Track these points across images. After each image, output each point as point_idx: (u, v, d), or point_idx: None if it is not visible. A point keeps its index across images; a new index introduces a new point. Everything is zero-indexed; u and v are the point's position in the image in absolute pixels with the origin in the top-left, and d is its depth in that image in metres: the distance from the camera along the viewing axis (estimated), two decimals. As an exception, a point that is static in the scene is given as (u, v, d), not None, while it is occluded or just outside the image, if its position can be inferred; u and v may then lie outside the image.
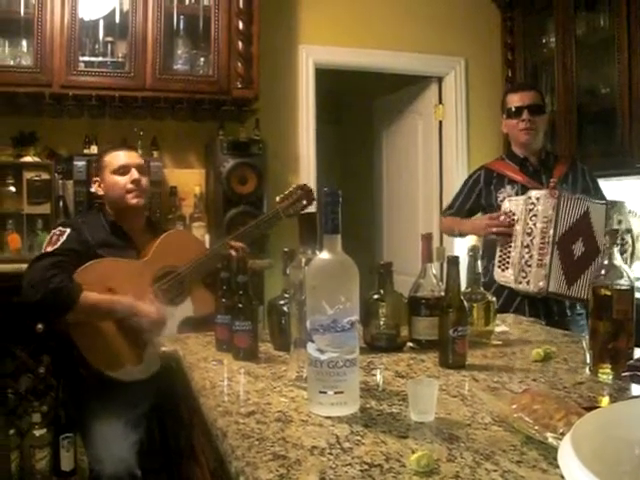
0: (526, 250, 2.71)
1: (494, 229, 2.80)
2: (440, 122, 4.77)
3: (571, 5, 3.97)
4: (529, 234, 2.71)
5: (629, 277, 1.52)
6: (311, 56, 4.31)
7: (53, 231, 2.49)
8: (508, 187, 2.95)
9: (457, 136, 4.67)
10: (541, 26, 4.34)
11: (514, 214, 2.78)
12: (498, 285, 2.82)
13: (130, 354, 2.35)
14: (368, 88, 5.47)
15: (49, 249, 2.38)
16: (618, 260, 1.53)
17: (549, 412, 1.10)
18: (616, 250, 1.54)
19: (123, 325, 2.35)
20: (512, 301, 2.83)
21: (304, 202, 2.56)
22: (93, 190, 2.68)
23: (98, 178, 2.61)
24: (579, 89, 3.95)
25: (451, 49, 4.62)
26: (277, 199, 2.56)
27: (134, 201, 2.54)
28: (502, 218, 2.79)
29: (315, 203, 2.64)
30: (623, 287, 1.51)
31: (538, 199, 2.70)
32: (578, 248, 2.67)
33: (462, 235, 3.19)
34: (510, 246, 2.78)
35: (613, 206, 2.75)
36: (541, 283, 2.66)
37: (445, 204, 4.63)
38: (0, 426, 3.14)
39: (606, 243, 1.56)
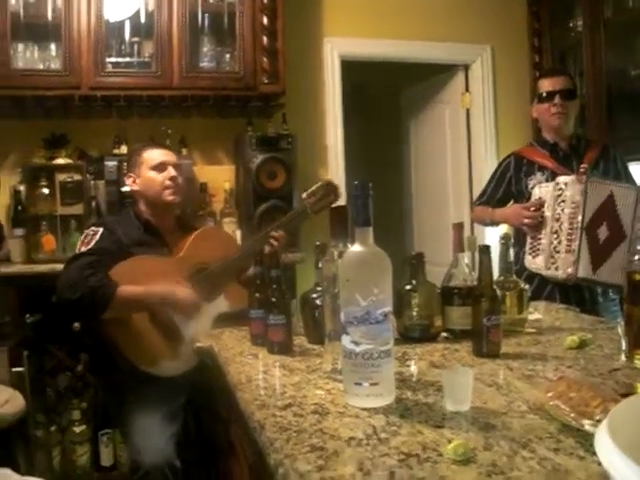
0: (554, 236, 2.70)
1: (525, 220, 2.78)
2: (467, 110, 4.74)
3: (598, -14, 3.92)
4: (557, 220, 2.69)
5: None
6: (336, 49, 4.31)
7: (86, 231, 2.51)
8: (538, 174, 2.93)
9: (485, 124, 4.63)
10: (568, 10, 4.28)
11: (544, 201, 2.76)
12: (529, 272, 2.81)
13: (166, 350, 2.38)
14: (394, 78, 5.45)
15: (83, 249, 2.41)
16: (652, 244, 1.52)
17: (585, 399, 1.09)
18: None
19: (159, 321, 2.39)
20: (543, 288, 2.81)
21: (331, 198, 2.52)
22: (127, 186, 2.71)
23: (133, 174, 2.62)
24: (608, 72, 3.90)
25: (477, 36, 4.58)
26: (303, 195, 2.54)
27: (170, 198, 2.56)
28: (532, 208, 2.77)
29: (342, 198, 2.63)
30: (658, 271, 1.50)
31: (566, 184, 2.68)
32: (603, 232, 2.64)
33: (494, 224, 3.16)
34: (540, 233, 2.77)
35: None
36: (570, 269, 2.64)
37: (475, 193, 4.64)
38: (41, 423, 3.21)
39: (638, 228, 1.54)
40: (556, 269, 2.68)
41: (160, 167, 2.57)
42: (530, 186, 2.92)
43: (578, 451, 0.99)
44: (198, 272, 2.50)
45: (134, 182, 2.62)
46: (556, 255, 2.69)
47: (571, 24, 4.27)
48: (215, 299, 2.51)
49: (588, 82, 3.98)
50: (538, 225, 2.76)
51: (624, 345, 1.57)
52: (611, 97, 3.86)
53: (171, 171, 2.57)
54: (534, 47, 4.56)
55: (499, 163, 3.19)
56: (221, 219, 3.84)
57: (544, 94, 2.94)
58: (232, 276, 2.56)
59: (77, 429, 3.19)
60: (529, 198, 2.88)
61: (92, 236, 2.44)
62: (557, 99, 2.89)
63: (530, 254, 2.82)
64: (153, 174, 2.57)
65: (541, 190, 2.81)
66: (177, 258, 2.52)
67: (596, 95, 3.91)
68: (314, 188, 2.52)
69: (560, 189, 2.69)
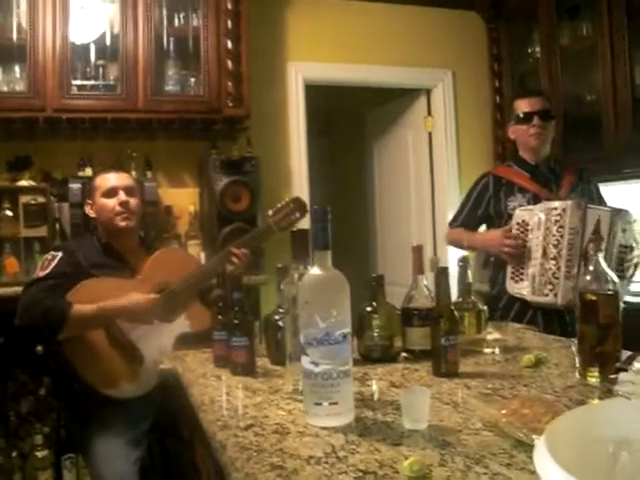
0: (553, 262, 2.64)
1: (506, 249, 2.74)
2: (430, 133, 4.82)
3: (554, 15, 4.04)
4: (555, 246, 2.64)
5: (614, 282, 1.56)
6: (300, 73, 4.36)
7: (45, 256, 2.52)
8: (519, 195, 2.90)
9: (447, 147, 4.72)
10: (526, 36, 4.41)
11: (527, 224, 2.73)
12: (509, 297, 2.81)
13: (125, 371, 2.37)
14: (358, 102, 5.53)
15: (41, 274, 2.41)
16: (603, 266, 1.57)
17: (537, 416, 1.13)
18: (600, 256, 1.58)
19: (118, 342, 2.38)
20: (525, 313, 2.79)
21: (297, 214, 2.54)
22: (86, 212, 2.71)
23: (90, 201, 2.65)
24: (565, 97, 4.01)
25: (438, 61, 4.68)
26: (269, 213, 2.57)
27: (123, 224, 2.56)
28: (514, 231, 2.75)
29: (305, 219, 2.64)
30: (608, 292, 1.55)
31: (565, 210, 2.64)
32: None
33: (471, 249, 3.14)
34: (523, 258, 2.74)
35: (617, 213, 2.67)
36: (570, 295, 2.58)
37: (437, 215, 4.72)
38: (2, 448, 3.16)
39: (590, 250, 1.60)
40: (555, 295, 2.64)
41: (111, 193, 2.57)
42: (510, 207, 2.88)
43: (529, 466, 1.01)
44: (159, 292, 2.48)
45: (91, 209, 2.64)
46: (555, 281, 2.64)
47: (529, 50, 4.40)
48: (177, 319, 2.49)
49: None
50: (520, 252, 2.73)
51: (578, 363, 1.61)
52: (567, 121, 3.96)
53: (122, 196, 2.56)
54: (494, 72, 4.67)
55: (475, 182, 3.11)
56: (186, 241, 3.85)
57: (522, 115, 2.93)
58: (194, 296, 2.55)
59: (39, 454, 3.15)
60: (508, 219, 2.85)
61: (50, 261, 2.44)
62: (535, 120, 2.88)
63: (512, 278, 2.79)
64: (105, 200, 2.57)
65: (524, 213, 2.77)
66: (137, 279, 2.51)
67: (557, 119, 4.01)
68: (280, 205, 2.54)
69: (559, 214, 2.64)
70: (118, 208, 2.55)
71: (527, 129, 2.92)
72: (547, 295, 2.67)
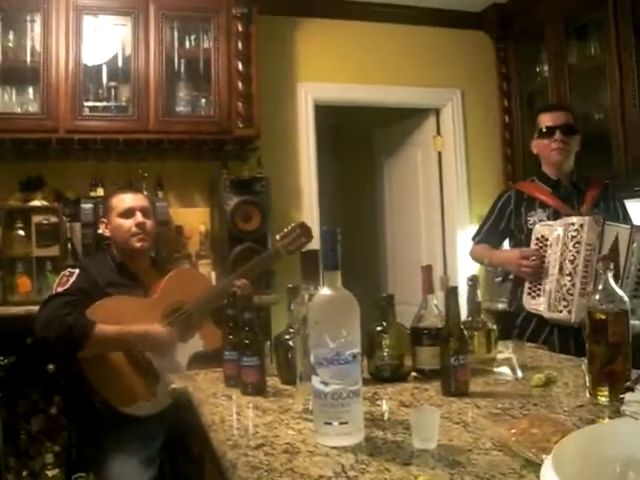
0: (568, 278, 2.63)
1: (524, 269, 2.74)
2: (439, 153, 4.84)
3: (562, 34, 4.07)
4: (572, 262, 2.62)
5: (623, 301, 1.56)
6: (310, 93, 4.40)
7: (62, 273, 2.54)
8: (539, 210, 2.88)
9: (456, 166, 4.73)
10: (534, 56, 4.43)
11: (546, 239, 2.73)
12: (526, 313, 2.80)
13: (142, 389, 2.39)
14: (367, 121, 5.55)
15: (60, 289, 2.44)
16: (612, 284, 1.57)
17: (547, 435, 1.13)
18: (610, 275, 1.58)
19: (135, 360, 2.41)
20: (542, 330, 2.77)
21: (303, 239, 2.63)
22: (100, 232, 2.74)
23: (105, 220, 2.68)
24: (574, 116, 4.01)
25: (447, 81, 4.70)
26: (277, 237, 2.64)
27: (138, 245, 2.60)
28: (533, 246, 2.74)
29: (315, 239, 2.69)
30: (618, 311, 1.55)
31: (582, 226, 2.63)
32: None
33: (492, 265, 3.12)
34: (542, 273, 2.73)
35: (637, 230, 2.65)
36: (583, 313, 2.52)
37: (447, 234, 4.72)
38: (13, 467, 3.17)
39: (600, 268, 1.60)
40: (569, 312, 2.62)
41: (127, 213, 2.61)
42: (530, 222, 2.88)
43: (538, 486, 1.02)
44: (173, 312, 2.53)
45: (106, 228, 2.68)
46: (569, 297, 2.62)
47: (537, 69, 4.42)
48: (190, 338, 2.54)
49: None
50: (537, 271, 2.72)
51: (587, 382, 1.61)
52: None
53: (138, 217, 2.61)
54: (503, 91, 4.70)
55: (497, 197, 3.11)
56: (197, 261, 3.87)
57: (544, 129, 2.91)
58: (207, 316, 2.59)
59: (50, 473, 3.16)
60: (528, 234, 2.84)
61: (68, 277, 2.47)
62: (558, 134, 2.86)
63: (529, 294, 2.78)
64: (121, 221, 2.61)
65: (543, 228, 2.77)
66: (153, 298, 2.55)
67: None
68: (287, 230, 2.62)
69: (576, 230, 2.63)
70: (134, 229, 2.59)
71: (549, 143, 2.90)
72: (561, 311, 2.65)
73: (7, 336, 3.11)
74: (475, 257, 3.17)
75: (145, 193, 3.49)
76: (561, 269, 2.67)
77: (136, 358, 2.41)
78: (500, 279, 3.89)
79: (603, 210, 2.85)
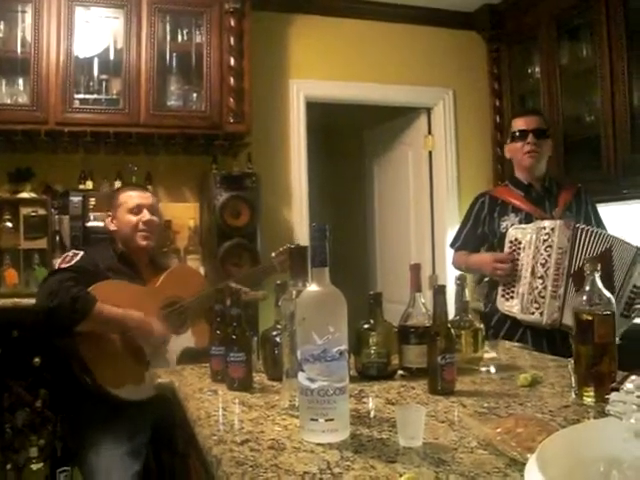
0: (540, 281, 2.67)
1: (498, 272, 2.78)
2: (430, 152, 4.84)
3: (554, 35, 4.09)
4: (543, 265, 2.67)
5: (610, 302, 1.56)
6: (302, 90, 4.40)
7: (66, 253, 2.61)
8: (512, 215, 2.91)
9: (447, 166, 4.74)
10: (526, 56, 4.46)
11: (519, 243, 2.76)
12: (501, 315, 2.82)
13: (131, 372, 2.41)
14: (359, 120, 5.55)
15: (64, 266, 2.48)
16: (599, 286, 1.57)
17: (532, 435, 1.14)
18: (597, 276, 1.59)
19: (128, 344, 2.43)
20: (516, 331, 2.79)
21: None
22: (105, 225, 2.79)
23: (112, 214, 2.72)
24: (564, 117, 4.04)
25: (439, 80, 4.71)
26: (272, 255, 2.72)
27: (144, 242, 2.64)
28: (507, 249, 2.78)
29: (305, 236, 2.72)
30: (604, 312, 1.55)
31: (553, 230, 2.67)
32: None
33: (469, 271, 3.15)
34: (515, 275, 2.76)
35: None
36: (555, 315, 2.63)
37: (436, 233, 4.73)
38: (-3, 461, 3.16)
39: (587, 270, 1.60)
40: (540, 314, 2.66)
41: (136, 210, 2.65)
42: (503, 227, 2.90)
43: (523, 485, 1.02)
44: (170, 305, 2.58)
45: (111, 222, 2.71)
46: (540, 300, 2.66)
47: (529, 70, 4.44)
48: (183, 333, 2.58)
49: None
50: (510, 274, 2.76)
51: (573, 383, 1.62)
52: (567, 142, 3.99)
53: (146, 215, 2.65)
54: (494, 91, 4.72)
55: (472, 203, 3.13)
56: (185, 256, 3.86)
57: (517, 133, 2.94)
58: (201, 315, 2.63)
59: (34, 467, 3.14)
60: (501, 238, 2.87)
61: (72, 257, 2.53)
62: (530, 138, 2.89)
63: (503, 296, 2.81)
64: (129, 217, 2.65)
65: (517, 232, 2.80)
66: (152, 288, 2.59)
67: (553, 140, 4.02)
68: (282, 249, 2.70)
69: (547, 234, 2.67)
70: (141, 226, 2.63)
71: (522, 147, 2.93)
72: (533, 313, 2.69)
73: (-7, 328, 3.10)
74: (457, 265, 3.19)
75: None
76: (533, 272, 2.70)
77: (129, 342, 2.44)
78: (475, 283, 3.93)
79: (576, 214, 2.88)
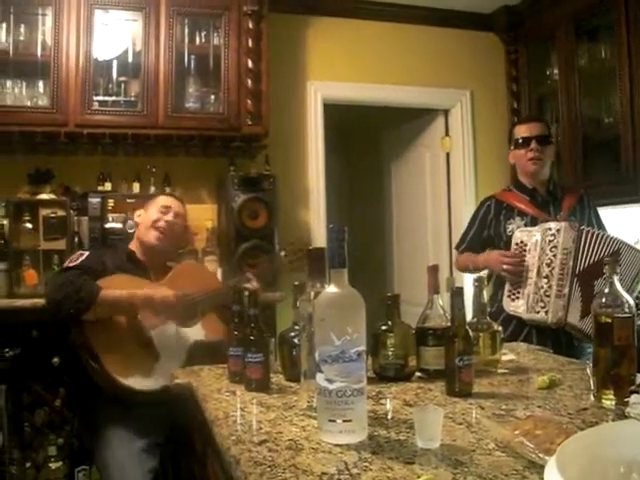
0: (545, 280, 2.72)
1: (505, 267, 2.81)
2: (447, 154, 4.83)
3: (573, 37, 4.06)
4: (549, 265, 2.72)
5: (629, 305, 1.56)
6: (319, 92, 4.40)
7: (74, 254, 2.67)
8: (517, 218, 2.96)
9: (464, 168, 4.73)
10: (544, 58, 4.43)
11: (525, 245, 2.80)
12: (506, 315, 2.84)
13: (142, 364, 2.43)
14: (376, 121, 5.55)
15: (70, 264, 2.54)
16: (618, 288, 1.57)
17: (550, 437, 1.13)
18: (616, 279, 1.58)
19: (138, 335, 2.46)
20: (520, 331, 2.83)
21: (303, 262, 2.71)
22: (135, 217, 2.85)
23: (141, 211, 2.80)
24: (583, 119, 4.02)
25: (457, 82, 4.70)
26: (282, 253, 2.83)
27: (154, 241, 2.68)
28: (513, 251, 2.81)
29: (322, 237, 2.74)
30: (624, 315, 1.54)
31: (559, 231, 2.72)
32: (599, 284, 2.58)
33: (477, 270, 3.15)
34: (521, 276, 2.80)
35: None
36: (560, 313, 2.68)
37: (454, 235, 4.70)
38: (16, 459, 3.18)
39: (606, 272, 1.60)
40: (546, 313, 2.71)
41: (164, 210, 2.72)
42: (509, 230, 2.95)
43: (541, 487, 1.02)
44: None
45: (138, 216, 2.79)
46: (546, 299, 2.71)
47: (547, 72, 4.41)
48: (192, 326, 2.59)
49: (564, 128, 4.09)
50: (518, 270, 2.80)
51: (592, 385, 1.61)
52: (586, 143, 3.97)
53: (170, 216, 2.71)
54: (512, 93, 4.70)
55: (478, 207, 3.20)
56: (203, 257, 3.87)
57: (520, 140, 3.00)
58: (211, 309, 2.65)
59: (53, 465, 3.17)
60: (507, 241, 2.90)
61: (78, 256, 2.58)
62: (533, 144, 2.95)
63: (509, 296, 2.84)
64: (155, 212, 2.72)
65: (522, 234, 2.84)
66: (160, 284, 2.61)
67: (571, 141, 4.02)
68: (294, 249, 2.81)
69: (552, 235, 2.73)
70: (160, 224, 2.69)
71: (525, 153, 2.99)
72: (538, 312, 2.74)
73: (13, 328, 3.13)
74: (461, 266, 3.24)
75: (152, 188, 3.57)
76: (539, 272, 2.75)
77: (139, 334, 2.46)
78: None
79: (579, 218, 2.92)
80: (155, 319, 2.49)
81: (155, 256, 2.73)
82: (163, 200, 2.79)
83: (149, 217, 2.71)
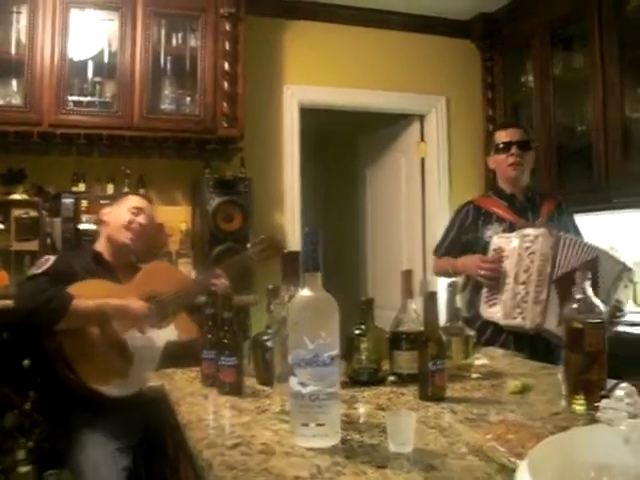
0: (522, 287, 2.70)
1: (482, 272, 2.79)
2: (422, 159, 4.85)
3: (548, 45, 4.11)
4: (526, 271, 2.70)
5: (600, 311, 1.57)
6: (295, 96, 4.40)
7: (40, 259, 2.64)
8: (495, 224, 2.95)
9: (439, 173, 4.75)
10: (519, 65, 4.47)
11: (503, 250, 2.78)
12: (483, 321, 2.83)
13: (116, 369, 2.42)
14: (352, 126, 5.56)
15: (37, 271, 2.51)
16: (590, 294, 1.58)
17: (522, 441, 1.14)
18: (587, 285, 1.60)
19: (110, 340, 2.44)
20: (498, 337, 2.81)
21: (270, 252, 2.79)
22: (98, 216, 2.85)
23: (111, 209, 2.77)
24: (557, 127, 4.06)
25: (432, 88, 4.73)
26: (248, 245, 2.91)
27: (127, 241, 2.67)
28: (491, 256, 2.80)
29: (297, 240, 2.75)
30: (595, 321, 1.56)
31: (537, 237, 2.71)
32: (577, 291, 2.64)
33: (456, 274, 3.15)
34: (498, 282, 2.78)
35: (628, 270, 2.75)
36: (537, 320, 2.66)
37: (428, 239, 4.73)
38: (-16, 464, 3.14)
39: (578, 279, 1.61)
40: (523, 319, 2.69)
41: (136, 211, 2.71)
42: (487, 235, 2.93)
43: (512, 491, 1.02)
44: (148, 300, 2.58)
45: (106, 214, 2.76)
46: (523, 305, 2.70)
47: (523, 79, 4.46)
48: (166, 327, 2.59)
49: (538, 136, 4.12)
50: (494, 277, 2.78)
51: (564, 390, 1.62)
52: (560, 151, 4.01)
53: (142, 219, 2.70)
54: (488, 100, 4.73)
55: (456, 211, 3.18)
56: (177, 259, 3.85)
57: (501, 145, 2.98)
58: (182, 308, 2.65)
59: (22, 469, 3.12)
60: (485, 247, 2.89)
61: (45, 262, 2.56)
62: (514, 149, 2.93)
63: (486, 303, 2.83)
64: (126, 213, 2.70)
65: (500, 240, 2.83)
66: (128, 286, 2.62)
67: (546, 149, 4.05)
68: (258, 240, 2.83)
69: (530, 241, 2.72)
70: (134, 225, 2.68)
71: (505, 159, 2.97)
72: (516, 318, 2.72)
73: (-18, 330, 3.09)
74: (439, 270, 3.21)
75: (126, 189, 3.54)
76: (516, 278, 2.73)
77: (112, 338, 2.44)
78: (460, 288, 3.94)
79: (557, 224, 2.92)
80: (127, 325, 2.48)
81: (124, 257, 2.73)
82: (135, 201, 2.77)
83: (121, 217, 2.69)
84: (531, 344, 2.76)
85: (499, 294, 2.79)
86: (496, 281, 2.80)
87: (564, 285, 2.64)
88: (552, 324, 2.64)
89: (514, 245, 2.76)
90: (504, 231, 2.91)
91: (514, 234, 2.81)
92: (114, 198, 2.91)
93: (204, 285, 2.65)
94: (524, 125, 3.40)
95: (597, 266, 2.66)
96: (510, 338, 2.81)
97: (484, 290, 2.85)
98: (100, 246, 2.72)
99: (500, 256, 2.80)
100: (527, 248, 2.73)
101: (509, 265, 2.76)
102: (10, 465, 3.16)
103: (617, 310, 2.71)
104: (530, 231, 2.76)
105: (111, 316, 2.43)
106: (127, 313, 2.45)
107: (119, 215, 2.70)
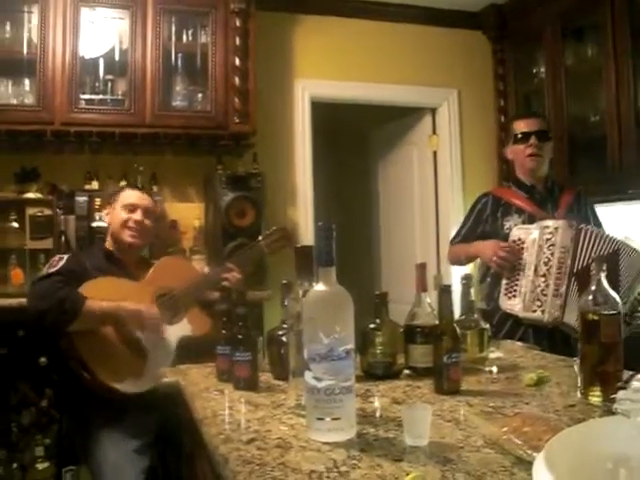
0: (542, 279, 2.68)
1: (495, 258, 2.75)
2: (435, 152, 4.84)
3: (559, 36, 4.08)
4: (546, 263, 2.68)
5: (616, 302, 1.56)
6: (307, 90, 4.40)
7: (53, 258, 2.63)
8: (515, 215, 2.91)
9: (451, 165, 4.74)
10: (531, 57, 4.45)
11: (523, 242, 2.76)
12: (502, 314, 2.81)
13: (132, 365, 2.42)
14: (363, 120, 5.55)
15: (50, 271, 2.50)
16: (605, 285, 1.57)
17: (538, 434, 1.14)
18: (603, 276, 1.59)
19: (125, 337, 2.45)
20: (517, 330, 2.79)
21: (282, 242, 2.80)
22: (101, 217, 2.89)
23: (109, 208, 2.76)
24: (569, 118, 4.04)
25: (444, 81, 4.71)
26: (259, 237, 2.83)
27: (130, 240, 2.66)
28: (508, 249, 2.76)
29: (310, 235, 2.74)
30: (610, 312, 1.55)
31: (557, 229, 2.68)
32: None
33: (469, 260, 3.11)
34: (518, 274, 2.76)
35: None
36: (556, 313, 2.64)
37: (441, 232, 4.73)
38: (3, 460, 3.16)
39: (593, 270, 1.60)
40: (542, 312, 2.67)
41: (130, 208, 2.68)
42: (506, 227, 2.91)
43: (530, 484, 1.02)
44: (161, 296, 2.60)
45: (107, 215, 2.77)
46: (543, 298, 2.67)
47: (534, 70, 4.43)
48: (179, 322, 2.59)
49: (551, 127, 4.10)
50: (508, 266, 2.76)
51: (580, 382, 1.62)
52: (572, 142, 3.98)
53: (138, 215, 2.67)
54: (499, 92, 4.71)
55: (474, 202, 3.13)
56: (190, 256, 3.87)
57: (519, 135, 2.93)
58: (194, 302, 2.65)
59: (40, 466, 3.15)
60: (505, 239, 2.85)
61: (58, 261, 2.55)
62: (532, 140, 2.89)
63: (506, 294, 2.80)
64: (122, 213, 2.67)
65: (520, 231, 2.80)
66: (142, 282, 2.62)
67: (559, 140, 4.02)
68: (268, 232, 2.82)
69: (550, 233, 2.69)
70: (131, 224, 2.66)
71: (524, 149, 2.93)
72: (535, 311, 2.70)
73: (-1, 327, 3.11)
74: (453, 257, 3.19)
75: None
76: (536, 270, 2.71)
77: (126, 335, 2.45)
78: (478, 282, 3.92)
79: (577, 215, 2.89)
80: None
81: (132, 254, 2.74)
82: (128, 197, 2.73)
83: (118, 216, 2.68)
84: (550, 337, 2.73)
85: (518, 286, 2.76)
86: (507, 270, 2.77)
87: (584, 278, 2.61)
88: (571, 318, 2.59)
89: (534, 237, 2.74)
90: (524, 222, 2.88)
91: (534, 225, 2.78)
92: (111, 195, 2.88)
93: (215, 279, 2.66)
94: (543, 114, 3.35)
95: (618, 259, 2.63)
96: (529, 331, 2.78)
97: (504, 281, 2.82)
98: (109, 244, 2.73)
99: (520, 247, 2.77)
100: (547, 240, 2.70)
101: (528, 257, 2.74)
102: (29, 461, 3.18)
103: (639, 304, 2.69)
104: (550, 223, 2.73)
105: (124, 320, 2.43)
106: (139, 317, 2.45)
107: (116, 214, 2.69)
